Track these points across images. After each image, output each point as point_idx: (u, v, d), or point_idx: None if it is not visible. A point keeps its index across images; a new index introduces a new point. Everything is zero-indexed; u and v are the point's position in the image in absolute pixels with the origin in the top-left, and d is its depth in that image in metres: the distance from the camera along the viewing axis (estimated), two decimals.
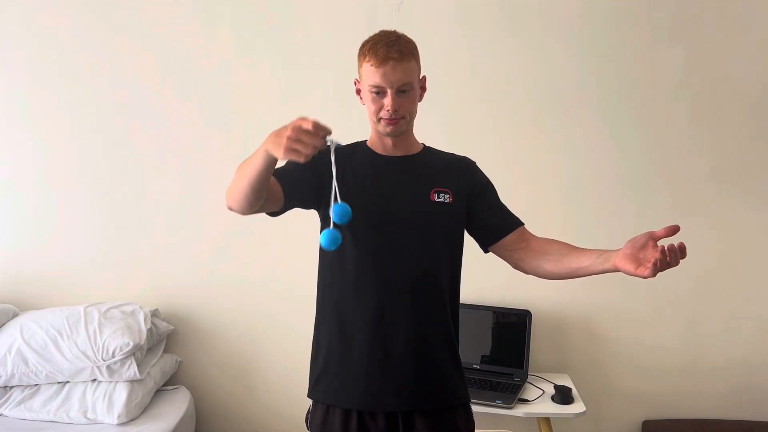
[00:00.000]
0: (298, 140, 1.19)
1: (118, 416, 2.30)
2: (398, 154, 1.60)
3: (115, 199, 2.71)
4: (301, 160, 1.20)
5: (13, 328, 2.48)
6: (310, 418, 1.59)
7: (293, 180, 1.50)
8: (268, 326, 2.71)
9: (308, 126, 1.20)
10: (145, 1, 2.63)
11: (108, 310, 2.52)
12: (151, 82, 2.66)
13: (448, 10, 2.55)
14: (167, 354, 2.66)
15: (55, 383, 2.43)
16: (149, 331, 2.47)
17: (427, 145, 1.68)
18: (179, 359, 2.70)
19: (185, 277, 2.72)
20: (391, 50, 1.45)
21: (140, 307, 2.56)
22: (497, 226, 1.61)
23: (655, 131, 2.53)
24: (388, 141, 1.58)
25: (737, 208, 2.53)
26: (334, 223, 1.34)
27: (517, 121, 2.57)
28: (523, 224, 1.63)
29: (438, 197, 1.56)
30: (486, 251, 1.66)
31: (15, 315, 2.60)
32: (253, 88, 2.63)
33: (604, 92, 2.53)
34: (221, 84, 2.64)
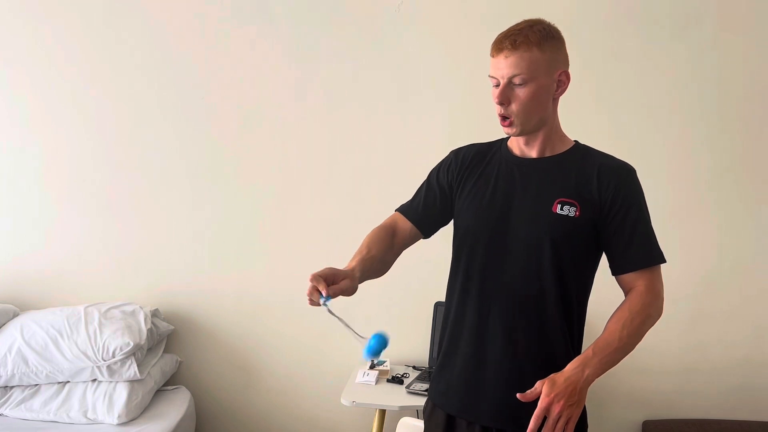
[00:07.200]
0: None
1: (119, 416, 2.30)
2: (533, 155, 1.44)
3: (115, 199, 2.71)
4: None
5: (13, 328, 2.48)
6: (425, 407, 1.57)
7: (424, 216, 1.55)
8: (268, 326, 2.71)
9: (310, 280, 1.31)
10: (144, 1, 2.64)
11: (108, 310, 2.52)
12: (152, 82, 2.66)
13: (448, 9, 2.55)
14: (167, 354, 2.66)
15: (55, 383, 2.43)
16: (149, 331, 2.47)
17: (581, 143, 1.48)
18: (179, 359, 2.70)
19: (185, 277, 2.72)
20: (507, 39, 1.34)
21: (140, 307, 2.56)
22: (613, 259, 1.42)
23: (655, 130, 2.53)
24: (521, 140, 1.44)
25: (737, 208, 2.53)
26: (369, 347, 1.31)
27: None
28: (643, 268, 1.40)
29: (561, 209, 1.38)
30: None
31: (15, 315, 2.60)
32: (253, 87, 2.63)
33: (603, 92, 2.53)
34: (222, 82, 2.64)
